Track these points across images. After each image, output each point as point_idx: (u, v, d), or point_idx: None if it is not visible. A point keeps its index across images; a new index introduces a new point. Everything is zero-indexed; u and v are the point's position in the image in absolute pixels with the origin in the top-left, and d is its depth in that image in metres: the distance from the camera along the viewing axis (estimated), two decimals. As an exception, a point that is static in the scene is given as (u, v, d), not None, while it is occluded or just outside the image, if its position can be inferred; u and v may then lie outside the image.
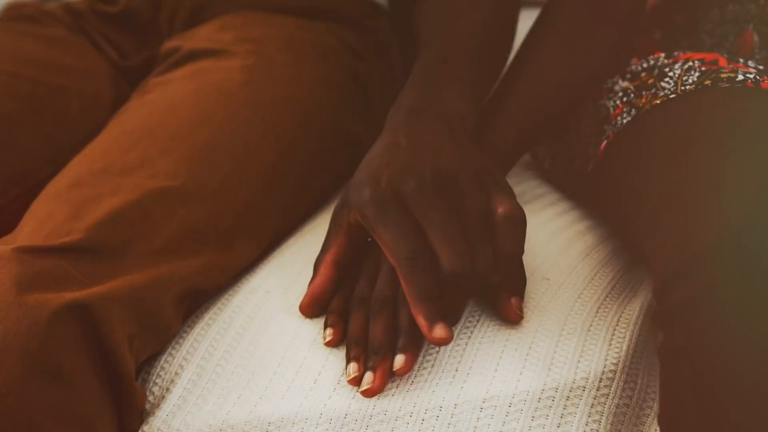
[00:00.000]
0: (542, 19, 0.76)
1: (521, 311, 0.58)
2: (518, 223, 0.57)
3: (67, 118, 0.78)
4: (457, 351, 0.56)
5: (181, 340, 0.61)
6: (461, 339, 0.57)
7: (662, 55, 0.71)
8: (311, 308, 0.60)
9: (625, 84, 0.71)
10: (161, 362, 0.60)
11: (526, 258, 0.63)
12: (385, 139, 0.60)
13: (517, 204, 0.57)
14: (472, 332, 0.57)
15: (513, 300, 0.58)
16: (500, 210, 0.56)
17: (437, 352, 0.56)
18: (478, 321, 0.58)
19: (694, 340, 0.45)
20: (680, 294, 0.46)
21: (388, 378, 0.54)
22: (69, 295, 0.52)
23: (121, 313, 0.54)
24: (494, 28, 0.73)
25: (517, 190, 0.76)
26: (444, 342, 0.52)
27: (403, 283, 0.53)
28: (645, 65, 0.71)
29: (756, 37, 0.72)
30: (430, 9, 0.74)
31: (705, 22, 0.78)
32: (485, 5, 0.72)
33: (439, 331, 0.52)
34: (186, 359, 0.59)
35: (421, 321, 0.52)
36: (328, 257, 0.59)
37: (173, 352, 0.60)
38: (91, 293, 0.53)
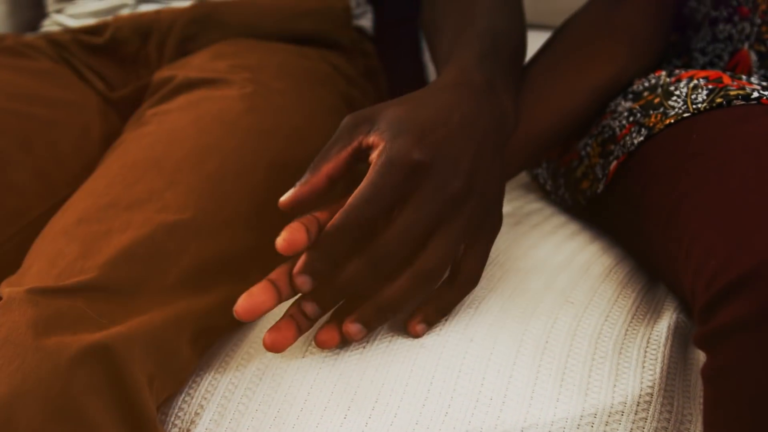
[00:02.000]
0: (555, 36, 0.76)
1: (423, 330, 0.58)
2: (467, 288, 0.58)
3: (58, 153, 0.75)
4: (489, 378, 0.55)
5: (198, 379, 0.59)
6: (492, 366, 0.55)
7: (663, 73, 0.71)
8: (290, 206, 0.57)
9: (629, 104, 0.71)
10: (179, 402, 0.58)
11: (547, 281, 0.62)
12: (448, 96, 0.59)
13: (480, 270, 0.58)
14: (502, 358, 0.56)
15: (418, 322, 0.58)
16: (465, 267, 0.58)
17: (468, 381, 0.55)
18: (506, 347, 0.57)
19: (747, 361, 0.45)
20: (728, 314, 0.45)
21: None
22: (88, 337, 0.50)
23: (141, 353, 0.52)
24: (520, 34, 0.74)
25: (523, 211, 0.76)
26: (300, 288, 0.53)
27: (332, 221, 0.53)
28: (646, 84, 0.71)
29: (753, 56, 0.73)
30: (453, 8, 0.73)
31: (696, 40, 0.78)
32: (507, 8, 0.73)
33: (301, 281, 0.53)
34: (205, 398, 0.57)
35: (303, 260, 0.53)
36: (325, 169, 0.57)
37: (191, 391, 0.58)
38: (110, 334, 0.51)
